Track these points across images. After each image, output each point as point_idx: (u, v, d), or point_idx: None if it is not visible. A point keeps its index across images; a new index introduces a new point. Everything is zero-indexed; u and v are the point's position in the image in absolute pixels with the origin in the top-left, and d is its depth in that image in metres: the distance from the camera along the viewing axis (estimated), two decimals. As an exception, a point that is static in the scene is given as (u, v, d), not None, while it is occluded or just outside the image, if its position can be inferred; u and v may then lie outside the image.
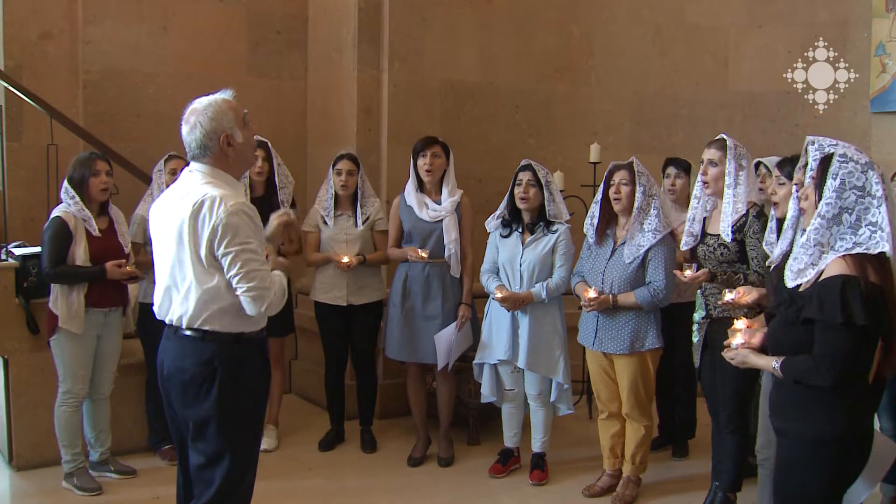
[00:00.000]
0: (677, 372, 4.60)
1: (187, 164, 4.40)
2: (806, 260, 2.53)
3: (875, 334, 2.44)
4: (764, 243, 3.53)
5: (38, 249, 4.19)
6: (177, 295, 2.63)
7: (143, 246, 4.46)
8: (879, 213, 2.44)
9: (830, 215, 2.49)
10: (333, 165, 4.70)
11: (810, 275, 2.53)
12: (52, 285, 4.04)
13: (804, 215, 2.66)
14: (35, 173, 4.79)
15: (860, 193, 2.47)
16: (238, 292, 2.58)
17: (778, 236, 3.37)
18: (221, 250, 2.55)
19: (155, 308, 2.75)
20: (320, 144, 5.81)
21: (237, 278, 2.56)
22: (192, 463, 2.70)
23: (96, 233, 4.09)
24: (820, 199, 2.52)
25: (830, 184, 2.49)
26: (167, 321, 2.71)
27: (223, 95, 2.70)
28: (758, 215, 3.65)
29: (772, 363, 2.61)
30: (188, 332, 2.64)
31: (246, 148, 2.73)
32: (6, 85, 4.72)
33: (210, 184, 2.61)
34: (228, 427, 2.64)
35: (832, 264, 2.48)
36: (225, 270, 2.57)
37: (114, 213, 4.25)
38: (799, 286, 2.58)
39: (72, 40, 5.21)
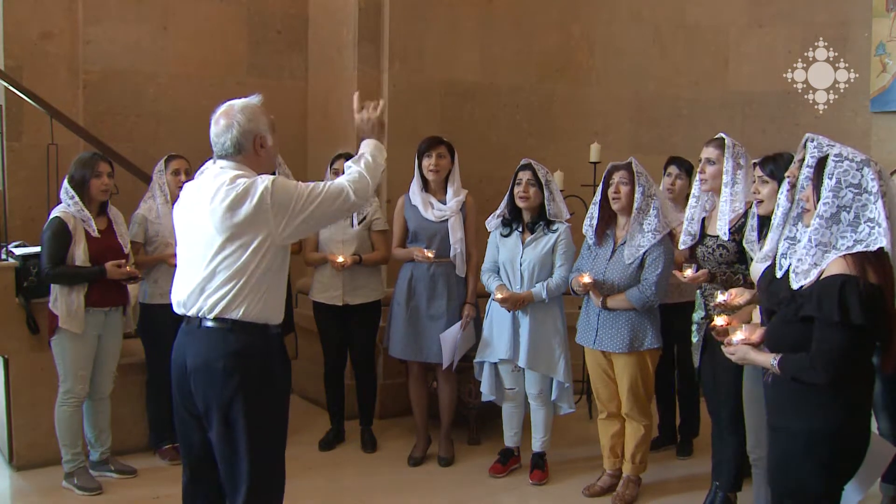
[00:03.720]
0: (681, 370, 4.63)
1: (189, 164, 4.48)
2: (809, 261, 2.54)
3: (872, 334, 2.45)
4: (745, 241, 3.53)
5: (38, 249, 4.19)
6: (213, 285, 2.63)
7: (143, 246, 4.47)
8: (876, 208, 2.46)
9: (829, 215, 2.50)
10: (331, 165, 4.70)
11: (813, 275, 2.54)
12: (52, 285, 4.05)
13: (805, 216, 2.68)
14: (35, 173, 4.79)
15: (857, 191, 2.49)
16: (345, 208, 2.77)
17: (759, 234, 3.37)
18: (291, 220, 2.64)
19: (177, 301, 2.73)
20: (320, 144, 5.81)
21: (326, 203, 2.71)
22: (220, 459, 2.68)
23: (95, 233, 4.09)
24: (818, 200, 2.54)
25: (827, 184, 2.51)
26: (191, 314, 2.69)
27: (255, 100, 2.77)
28: (756, 215, 3.64)
29: (770, 360, 2.62)
30: (213, 324, 2.64)
31: (273, 152, 2.83)
32: (6, 85, 4.73)
33: (243, 175, 2.66)
34: (256, 418, 2.64)
35: (833, 264, 2.49)
36: (308, 219, 2.68)
37: (112, 214, 4.26)
38: (802, 286, 2.59)
39: (72, 40, 5.22)
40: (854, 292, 2.40)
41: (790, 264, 2.66)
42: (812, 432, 2.51)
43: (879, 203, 2.45)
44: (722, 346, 2.90)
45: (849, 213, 2.49)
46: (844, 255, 2.48)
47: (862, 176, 2.48)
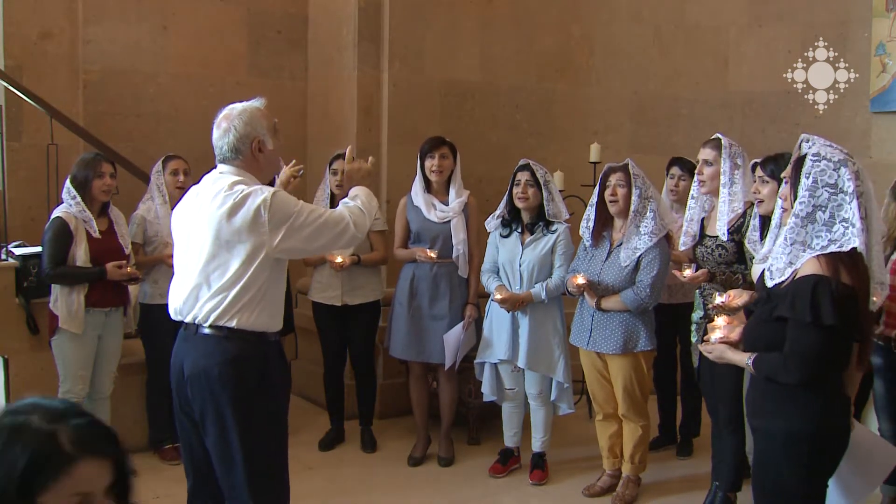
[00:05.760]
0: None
1: (188, 165, 4.49)
2: (784, 259, 2.54)
3: (846, 335, 2.44)
4: (747, 241, 3.52)
5: (38, 249, 4.19)
6: (206, 292, 2.61)
7: (142, 246, 4.47)
8: (851, 208, 2.44)
9: (804, 214, 2.49)
10: (329, 165, 4.71)
11: (788, 274, 2.54)
12: (53, 286, 4.05)
13: (784, 215, 2.68)
14: (35, 173, 4.79)
15: (833, 191, 2.47)
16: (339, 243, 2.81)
17: (762, 234, 3.38)
18: (287, 236, 2.62)
19: (173, 308, 2.72)
20: (320, 144, 5.81)
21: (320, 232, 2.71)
22: (217, 466, 2.68)
23: (96, 234, 4.09)
24: (796, 199, 2.53)
25: (804, 183, 2.50)
26: (188, 321, 2.68)
27: (256, 103, 2.77)
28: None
29: (745, 359, 2.62)
30: (210, 331, 2.62)
31: (275, 155, 2.81)
32: (6, 85, 4.72)
33: (241, 182, 2.66)
34: (251, 426, 2.63)
35: (806, 264, 2.49)
36: (305, 239, 2.68)
37: (114, 215, 4.26)
38: (779, 285, 2.59)
39: (72, 40, 5.21)
40: (826, 293, 2.39)
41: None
42: (790, 432, 2.51)
43: (854, 203, 2.44)
44: (700, 345, 2.90)
45: (824, 212, 2.48)
46: (818, 256, 2.46)
47: (839, 175, 2.47)
